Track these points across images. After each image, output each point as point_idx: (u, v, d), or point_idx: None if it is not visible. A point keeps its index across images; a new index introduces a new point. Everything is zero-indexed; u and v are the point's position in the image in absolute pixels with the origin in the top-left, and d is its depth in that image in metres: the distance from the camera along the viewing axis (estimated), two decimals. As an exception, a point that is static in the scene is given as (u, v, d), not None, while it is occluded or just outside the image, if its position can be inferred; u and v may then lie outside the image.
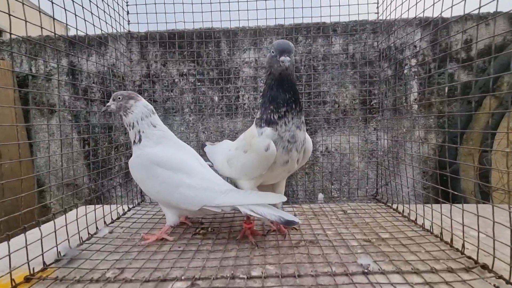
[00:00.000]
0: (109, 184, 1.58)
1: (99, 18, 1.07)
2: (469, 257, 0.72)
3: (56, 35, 0.84)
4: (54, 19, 0.85)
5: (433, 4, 0.89)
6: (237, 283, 0.67)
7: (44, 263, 0.75)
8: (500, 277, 0.62)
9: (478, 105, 1.60)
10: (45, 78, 1.72)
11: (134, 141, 0.97)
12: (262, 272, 0.69)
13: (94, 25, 1.03)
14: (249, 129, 0.94)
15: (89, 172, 1.66)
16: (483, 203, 1.31)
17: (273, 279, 0.67)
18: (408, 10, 1.06)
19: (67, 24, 0.89)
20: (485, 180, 1.47)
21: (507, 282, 0.60)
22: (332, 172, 1.61)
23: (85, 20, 0.97)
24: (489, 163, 1.44)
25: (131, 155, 0.98)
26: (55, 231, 0.79)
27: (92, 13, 1.01)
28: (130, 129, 0.97)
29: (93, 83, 1.71)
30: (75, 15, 0.92)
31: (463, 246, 0.75)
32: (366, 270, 0.69)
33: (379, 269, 0.69)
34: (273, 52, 0.81)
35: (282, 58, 0.77)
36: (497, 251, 0.66)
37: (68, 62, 1.71)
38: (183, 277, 0.69)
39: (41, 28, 0.76)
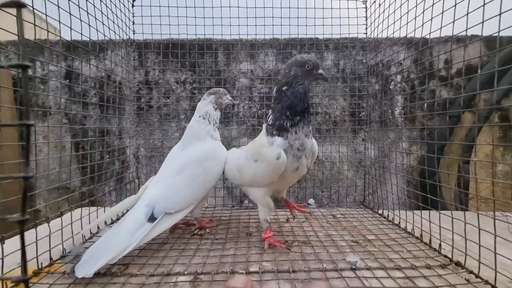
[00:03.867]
0: (102, 188, 1.60)
1: (108, 27, 1.12)
2: (445, 256, 0.80)
3: (60, 39, 0.87)
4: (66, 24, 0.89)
5: (422, 25, 0.98)
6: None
7: (51, 258, 0.78)
8: (471, 272, 0.70)
9: (457, 120, 1.72)
10: (41, 81, 1.75)
11: None
12: (259, 268, 0.75)
13: (104, 33, 1.08)
14: (258, 137, 0.97)
15: (82, 176, 1.68)
16: (462, 209, 1.41)
17: (270, 274, 0.73)
18: (394, 32, 1.16)
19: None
20: (464, 189, 1.58)
21: (476, 276, 0.69)
22: (322, 180, 1.69)
23: (97, 29, 1.03)
24: (468, 174, 1.55)
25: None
26: (61, 229, 0.82)
27: (102, 22, 1.07)
28: None
29: (93, 87, 1.75)
30: (89, 24, 0.98)
31: (440, 246, 0.84)
32: (354, 266, 0.76)
33: (365, 266, 0.76)
34: (308, 66, 0.87)
35: (321, 71, 0.88)
36: (469, 251, 0.74)
37: (66, 66, 1.74)
38: (185, 272, 0.74)
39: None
